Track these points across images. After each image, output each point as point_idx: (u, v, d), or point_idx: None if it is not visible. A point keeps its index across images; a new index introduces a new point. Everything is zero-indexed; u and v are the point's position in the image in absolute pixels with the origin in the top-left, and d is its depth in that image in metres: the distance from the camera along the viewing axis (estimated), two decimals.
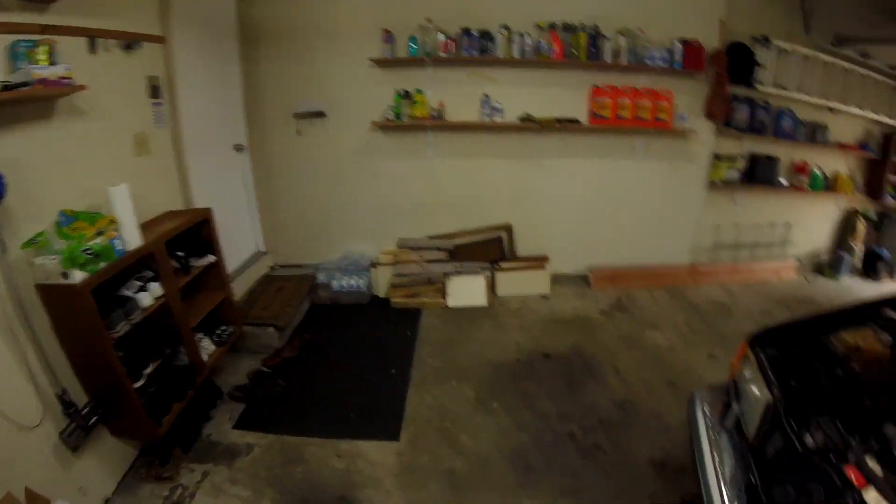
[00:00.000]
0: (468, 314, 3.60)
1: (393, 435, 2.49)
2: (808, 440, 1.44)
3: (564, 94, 3.63)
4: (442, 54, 3.44)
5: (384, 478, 2.25)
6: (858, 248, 4.50)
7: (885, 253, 4.44)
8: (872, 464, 1.29)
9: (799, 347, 1.80)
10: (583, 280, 4.05)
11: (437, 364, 3.06)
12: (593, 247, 4.04)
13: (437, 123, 3.62)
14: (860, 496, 1.23)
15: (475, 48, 3.45)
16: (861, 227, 4.46)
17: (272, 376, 2.91)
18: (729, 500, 1.58)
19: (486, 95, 3.61)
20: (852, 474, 1.27)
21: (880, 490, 1.22)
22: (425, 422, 2.59)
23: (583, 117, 3.67)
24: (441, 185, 3.83)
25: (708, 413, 1.89)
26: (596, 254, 4.07)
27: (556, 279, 3.97)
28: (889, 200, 4.44)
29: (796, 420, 1.49)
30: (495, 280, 3.80)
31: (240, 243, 3.64)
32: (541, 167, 3.83)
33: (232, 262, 3.29)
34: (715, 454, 1.73)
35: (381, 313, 3.62)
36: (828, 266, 4.51)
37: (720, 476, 1.65)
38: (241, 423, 2.56)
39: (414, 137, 3.73)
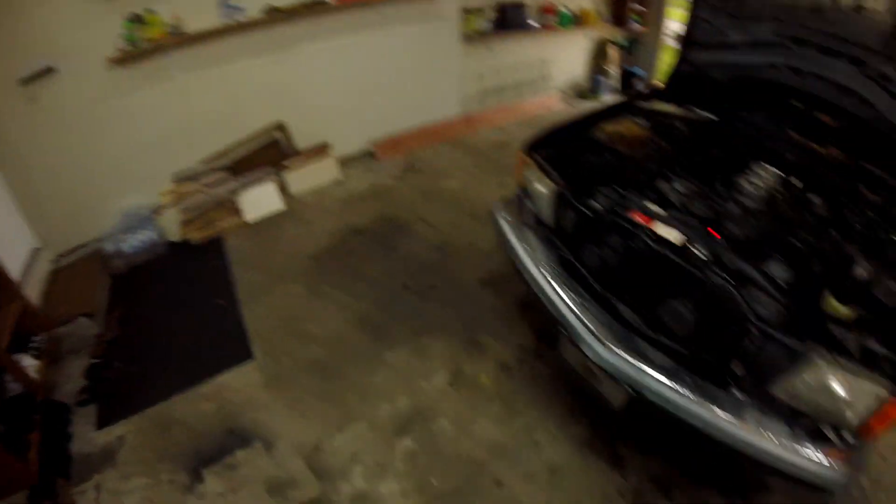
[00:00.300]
0: (270, 222, 3.63)
1: (246, 356, 2.61)
2: (596, 205, 1.84)
3: None
4: None
5: (257, 395, 2.41)
6: (613, 70, 5.35)
7: (638, 70, 5.34)
8: (653, 206, 1.73)
9: (570, 144, 2.19)
10: (369, 156, 4.26)
11: (258, 277, 3.13)
12: (369, 121, 4.20)
13: (178, 40, 3.23)
14: (651, 231, 1.65)
15: None
16: (613, 52, 5.28)
17: (106, 364, 2.73)
18: (550, 277, 1.97)
19: None
20: (638, 217, 1.71)
21: (664, 222, 1.67)
22: (271, 331, 2.74)
23: None
24: (199, 103, 3.51)
25: (508, 219, 2.27)
26: (374, 127, 4.26)
27: (344, 162, 4.11)
28: (634, 26, 5.25)
29: (581, 196, 1.89)
30: (285, 181, 3.81)
31: (10, 248, 3.03)
32: (297, 56, 3.71)
33: (13, 269, 2.79)
34: (526, 246, 2.12)
35: (184, 256, 3.46)
36: (588, 90, 5.35)
37: (536, 262, 2.05)
38: (102, 422, 2.43)
39: (158, 62, 3.29)
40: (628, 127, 2.40)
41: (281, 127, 3.85)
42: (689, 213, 1.82)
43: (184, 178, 3.62)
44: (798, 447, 1.48)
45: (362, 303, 2.83)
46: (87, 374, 2.69)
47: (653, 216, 1.76)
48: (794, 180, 1.99)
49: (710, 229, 1.69)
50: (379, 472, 2.10)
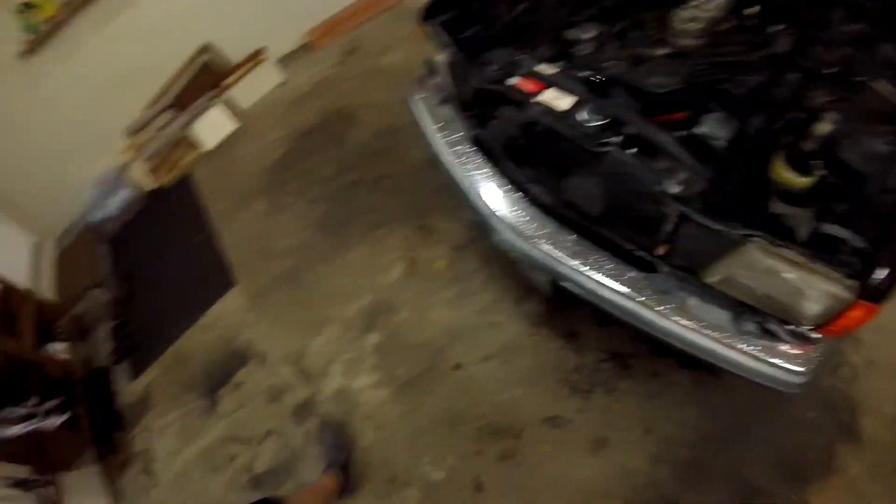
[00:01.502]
0: (228, 144, 3.50)
1: (230, 283, 2.73)
2: (485, 75, 1.59)
3: None
4: None
5: (245, 317, 2.57)
6: None
7: None
8: (546, 67, 1.47)
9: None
10: (306, 48, 3.86)
11: (227, 203, 3.13)
12: (299, 11, 3.72)
13: (72, 7, 3.05)
14: (537, 100, 1.40)
15: None
16: None
17: (125, 323, 2.96)
18: (460, 161, 1.79)
19: None
20: (525, 84, 1.45)
21: (558, 85, 1.41)
22: (246, 254, 2.81)
23: None
24: (121, 55, 3.28)
25: (421, 99, 2.03)
26: (306, 15, 3.77)
27: (284, 61, 3.78)
28: None
29: (472, 65, 1.64)
30: (231, 100, 3.60)
31: (10, 253, 3.22)
32: None
33: (20, 270, 3.04)
34: (437, 129, 1.90)
35: (161, 202, 3.50)
36: None
37: (447, 145, 1.84)
38: (135, 373, 2.73)
39: (66, 35, 3.13)
40: None
41: (206, 48, 3.54)
42: (594, 68, 1.49)
43: (135, 129, 3.52)
44: (739, 343, 1.29)
45: (320, 206, 2.78)
46: (113, 336, 2.94)
47: (544, 80, 1.46)
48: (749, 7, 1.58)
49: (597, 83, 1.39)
50: (353, 368, 2.21)
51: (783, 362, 1.29)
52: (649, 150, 1.30)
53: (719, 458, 1.90)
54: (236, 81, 3.59)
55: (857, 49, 1.51)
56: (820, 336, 1.23)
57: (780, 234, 1.11)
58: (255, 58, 3.64)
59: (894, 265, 1.01)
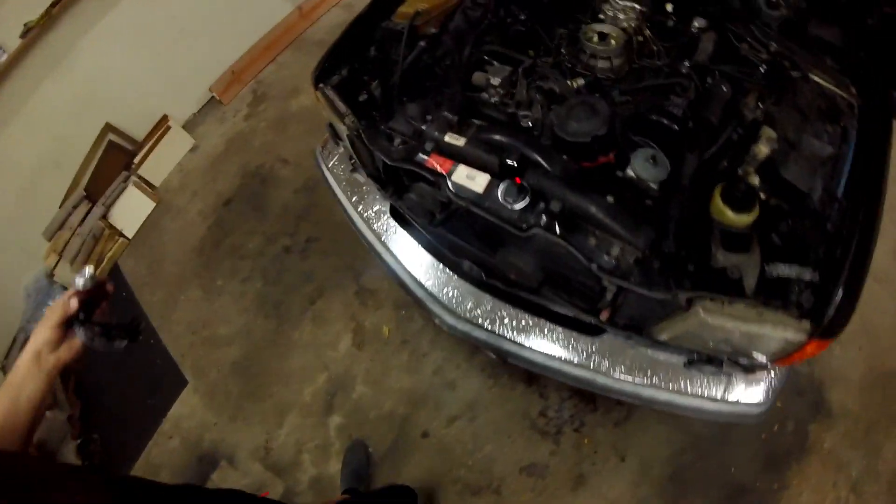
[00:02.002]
0: (150, 225, 3.26)
1: (182, 382, 2.58)
2: (392, 151, 1.40)
3: None
4: None
5: (204, 416, 2.42)
6: None
7: None
8: (453, 138, 1.28)
9: (364, 55, 1.69)
10: (214, 103, 3.62)
11: (160, 294, 2.93)
12: (197, 67, 3.47)
13: None
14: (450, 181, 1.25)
15: None
16: None
17: (88, 440, 2.74)
18: (383, 236, 1.67)
19: None
20: (434, 162, 1.29)
21: (468, 160, 1.25)
22: (190, 348, 2.65)
23: None
24: (23, 154, 3.00)
25: (331, 163, 1.87)
26: (206, 70, 3.53)
27: (193, 124, 3.54)
28: None
29: (375, 137, 1.44)
30: (145, 177, 3.37)
31: None
32: (84, 52, 2.98)
33: None
34: (352, 198, 1.76)
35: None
36: None
37: (367, 219, 1.72)
38: None
39: None
40: None
41: (109, 129, 3.29)
42: (509, 129, 1.34)
43: (53, 230, 3.28)
44: (696, 390, 1.28)
45: (254, 284, 2.63)
46: (80, 455, 2.77)
47: (453, 156, 1.29)
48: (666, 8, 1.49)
49: (517, 179, 1.22)
50: (323, 454, 2.12)
51: (742, 399, 1.29)
52: (578, 224, 1.19)
53: (697, 467, 1.90)
54: (146, 156, 3.36)
55: (786, 36, 1.41)
56: (775, 366, 1.23)
57: (725, 289, 1.05)
58: (160, 127, 3.40)
59: (845, 300, 0.97)
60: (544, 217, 1.17)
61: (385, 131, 1.47)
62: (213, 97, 3.55)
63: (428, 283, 1.57)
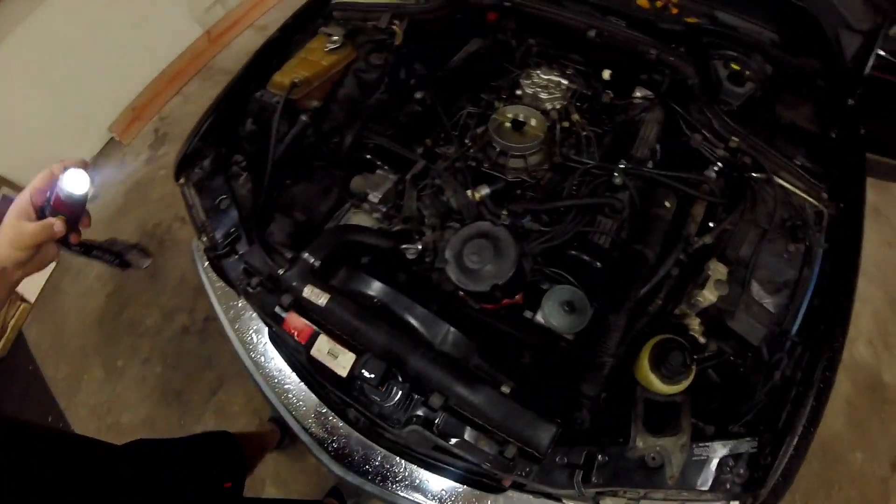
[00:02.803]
0: (49, 287, 2.76)
1: None
2: (251, 296, 1.12)
3: None
4: None
5: None
6: None
7: None
8: (315, 293, 1.00)
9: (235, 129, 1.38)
10: (115, 144, 3.16)
11: (66, 369, 2.52)
12: (96, 105, 3.02)
13: None
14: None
15: None
16: None
17: None
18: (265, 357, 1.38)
19: None
20: (292, 328, 1.00)
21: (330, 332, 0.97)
22: (97, 433, 2.21)
23: None
24: None
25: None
26: (106, 107, 3.08)
27: (93, 169, 3.06)
28: None
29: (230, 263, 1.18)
30: None
31: None
32: None
33: None
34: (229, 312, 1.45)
35: (4, 380, 2.85)
36: None
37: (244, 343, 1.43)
38: None
39: None
40: (319, 54, 1.43)
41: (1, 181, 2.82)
42: (382, 281, 1.06)
43: None
44: None
45: (154, 367, 2.30)
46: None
47: (313, 321, 1.00)
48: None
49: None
50: None
51: None
52: (466, 419, 0.92)
53: None
54: None
55: (749, 122, 1.17)
56: None
57: (641, 481, 0.89)
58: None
59: (783, 477, 0.85)
60: (422, 412, 0.90)
61: (245, 262, 1.16)
62: (112, 138, 3.11)
63: (312, 428, 1.28)
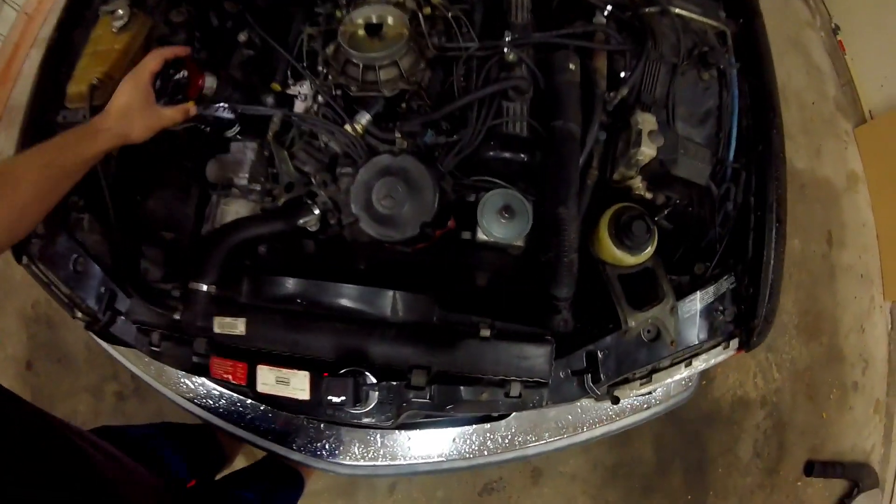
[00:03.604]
0: None
1: None
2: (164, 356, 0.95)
3: None
4: None
5: None
6: None
7: None
8: (222, 324, 0.83)
9: None
10: None
11: None
12: None
13: None
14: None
15: None
16: None
17: None
18: None
19: None
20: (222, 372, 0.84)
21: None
22: None
23: None
24: None
25: None
26: None
27: None
28: None
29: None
30: None
31: None
32: None
33: None
34: None
35: None
36: None
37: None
38: None
39: None
40: (108, 39, 1.09)
41: None
42: (298, 267, 0.92)
43: None
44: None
45: None
46: None
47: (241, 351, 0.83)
48: None
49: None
50: None
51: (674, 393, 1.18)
52: (458, 379, 0.83)
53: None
54: None
55: None
56: None
57: (646, 356, 0.89)
58: None
59: (770, 305, 0.86)
60: (410, 395, 0.78)
61: (133, 322, 0.93)
62: None
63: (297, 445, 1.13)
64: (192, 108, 0.87)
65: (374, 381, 0.74)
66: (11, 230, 0.72)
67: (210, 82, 0.97)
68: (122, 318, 0.97)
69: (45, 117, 1.12)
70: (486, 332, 0.77)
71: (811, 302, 1.89)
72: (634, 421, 1.16)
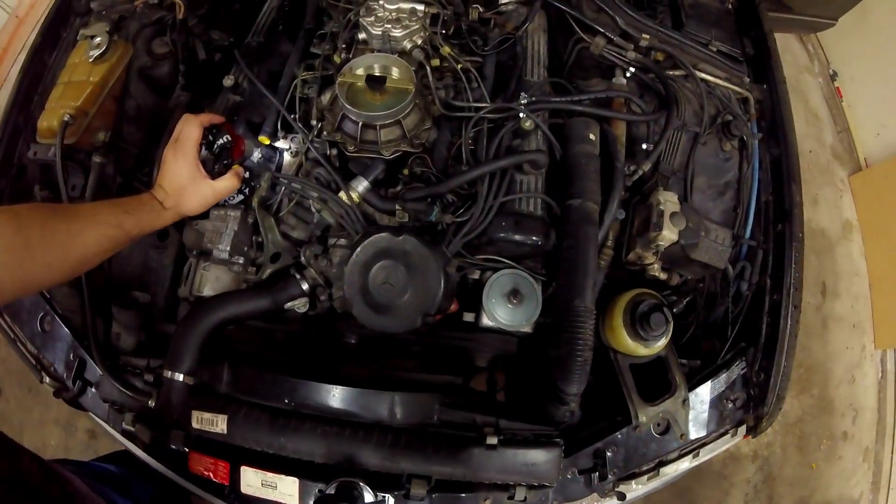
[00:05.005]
0: None
1: None
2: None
3: None
4: None
5: None
6: None
7: None
8: (202, 419, 0.77)
9: None
10: None
11: None
12: None
13: None
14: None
15: None
16: None
17: None
18: None
19: None
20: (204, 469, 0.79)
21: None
22: None
23: None
24: None
25: None
26: None
27: None
28: None
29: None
30: None
31: None
32: None
33: None
34: None
35: None
36: None
37: None
38: None
39: None
40: (84, 69, 1.01)
41: None
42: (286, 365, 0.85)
43: None
44: None
45: None
46: None
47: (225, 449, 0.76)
48: None
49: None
50: None
51: None
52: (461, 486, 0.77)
53: None
54: None
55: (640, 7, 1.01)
56: None
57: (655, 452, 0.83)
58: None
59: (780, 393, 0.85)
60: None
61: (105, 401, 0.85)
62: None
63: None
64: (241, 170, 0.85)
65: (371, 498, 0.66)
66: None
67: (249, 145, 0.94)
68: (93, 391, 0.88)
69: (13, 154, 1.04)
70: (492, 440, 0.70)
71: (804, 354, 1.87)
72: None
